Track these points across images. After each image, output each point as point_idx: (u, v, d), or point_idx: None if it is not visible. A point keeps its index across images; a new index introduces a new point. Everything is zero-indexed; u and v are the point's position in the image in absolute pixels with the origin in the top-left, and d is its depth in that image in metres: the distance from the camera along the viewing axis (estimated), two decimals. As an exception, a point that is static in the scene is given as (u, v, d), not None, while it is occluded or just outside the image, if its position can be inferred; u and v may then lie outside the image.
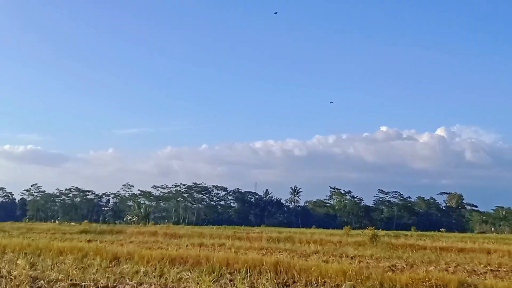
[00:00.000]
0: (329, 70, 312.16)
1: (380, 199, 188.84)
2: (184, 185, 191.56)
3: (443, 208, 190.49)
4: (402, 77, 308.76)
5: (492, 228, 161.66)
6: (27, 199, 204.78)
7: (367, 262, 20.34)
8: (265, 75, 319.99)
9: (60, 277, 13.61)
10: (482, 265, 20.15)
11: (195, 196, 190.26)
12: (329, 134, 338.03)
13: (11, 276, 13.80)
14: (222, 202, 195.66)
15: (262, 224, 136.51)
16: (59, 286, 12.28)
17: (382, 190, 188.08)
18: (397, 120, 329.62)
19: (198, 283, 12.82)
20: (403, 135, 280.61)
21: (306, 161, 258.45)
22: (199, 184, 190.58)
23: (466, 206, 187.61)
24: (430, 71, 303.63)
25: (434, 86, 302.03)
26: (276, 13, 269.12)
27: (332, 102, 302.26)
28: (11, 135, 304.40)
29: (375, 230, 38.25)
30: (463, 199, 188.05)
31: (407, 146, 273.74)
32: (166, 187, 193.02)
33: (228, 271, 15.45)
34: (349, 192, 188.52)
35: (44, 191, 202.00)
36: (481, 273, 17.52)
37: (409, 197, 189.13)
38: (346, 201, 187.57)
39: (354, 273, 13.83)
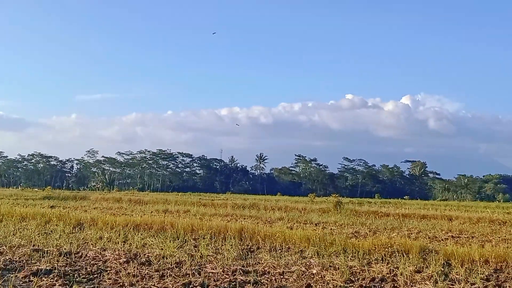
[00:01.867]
0: (296, 37, 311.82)
1: (345, 167, 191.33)
2: (149, 151, 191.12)
3: (407, 176, 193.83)
4: (368, 45, 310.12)
5: (454, 196, 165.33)
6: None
7: (331, 229, 20.52)
8: (231, 42, 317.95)
9: (22, 243, 13.46)
10: (443, 232, 20.50)
11: (160, 163, 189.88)
12: (295, 102, 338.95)
13: (-29, 242, 13.59)
14: (188, 169, 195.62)
15: (228, 191, 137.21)
16: (22, 252, 12.12)
17: (347, 158, 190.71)
18: (362, 88, 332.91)
19: (162, 249, 12.79)
20: (369, 103, 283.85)
21: (272, 128, 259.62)
22: (164, 151, 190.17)
23: (429, 174, 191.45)
24: (396, 39, 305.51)
25: (400, 54, 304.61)
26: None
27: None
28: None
29: (340, 198, 38.58)
30: (426, 167, 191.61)
31: (372, 114, 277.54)
32: (131, 154, 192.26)
33: (193, 237, 15.46)
34: (314, 159, 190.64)
35: (6, 156, 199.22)
36: (442, 239, 17.82)
37: (374, 165, 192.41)
38: (311, 169, 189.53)
39: (318, 239, 13.93)
